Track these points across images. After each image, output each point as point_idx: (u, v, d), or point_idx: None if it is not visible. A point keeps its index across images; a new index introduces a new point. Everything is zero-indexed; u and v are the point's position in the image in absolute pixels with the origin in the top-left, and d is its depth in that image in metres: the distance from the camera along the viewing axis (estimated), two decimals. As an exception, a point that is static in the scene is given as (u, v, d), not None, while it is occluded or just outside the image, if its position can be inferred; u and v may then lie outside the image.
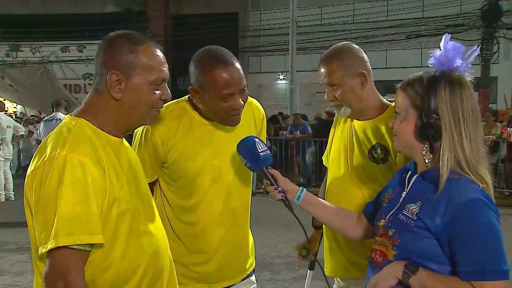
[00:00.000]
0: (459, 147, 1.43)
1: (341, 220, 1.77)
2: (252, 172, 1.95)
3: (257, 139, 1.76)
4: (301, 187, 1.75)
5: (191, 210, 1.99)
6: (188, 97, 2.02)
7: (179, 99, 2.05)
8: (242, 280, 2.13)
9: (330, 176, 2.25)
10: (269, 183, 1.72)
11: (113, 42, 1.52)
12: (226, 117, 1.92)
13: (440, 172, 1.44)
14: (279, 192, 1.71)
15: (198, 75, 1.88)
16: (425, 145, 1.49)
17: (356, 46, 2.10)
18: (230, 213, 2.01)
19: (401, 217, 1.48)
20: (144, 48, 1.52)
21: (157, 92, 1.55)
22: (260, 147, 1.72)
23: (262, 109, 2.19)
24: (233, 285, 2.10)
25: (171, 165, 1.97)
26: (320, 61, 2.10)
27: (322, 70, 2.07)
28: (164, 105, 1.77)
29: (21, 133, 10.59)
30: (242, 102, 1.90)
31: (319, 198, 1.81)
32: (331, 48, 2.13)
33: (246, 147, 1.74)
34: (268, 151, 1.75)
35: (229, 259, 2.04)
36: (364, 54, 2.10)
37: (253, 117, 2.12)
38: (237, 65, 1.88)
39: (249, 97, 2.03)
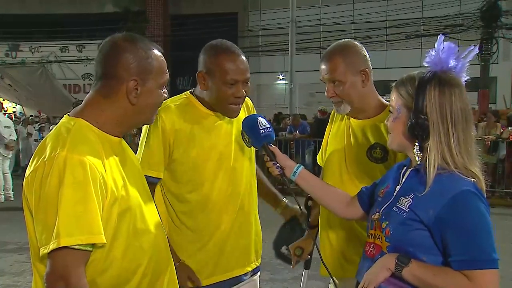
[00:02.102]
0: (446, 148, 1.45)
1: (332, 197, 1.83)
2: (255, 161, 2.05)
3: (259, 117, 1.89)
4: (298, 164, 1.84)
5: (200, 198, 2.05)
6: (190, 91, 2.13)
7: (181, 94, 2.15)
8: (245, 275, 2.17)
9: (326, 173, 2.25)
10: (268, 158, 1.83)
11: (124, 47, 1.50)
12: (227, 106, 2.02)
13: (427, 171, 1.46)
14: (277, 167, 1.80)
15: (207, 60, 2.01)
16: (415, 144, 1.52)
17: (359, 44, 2.10)
18: (237, 199, 2.10)
19: (395, 209, 1.51)
20: (154, 52, 1.55)
21: (162, 93, 1.59)
22: (262, 125, 1.85)
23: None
24: (235, 277, 2.14)
25: (178, 154, 2.02)
26: (322, 57, 2.10)
27: (324, 66, 2.07)
28: (170, 98, 1.97)
29: (13, 138, 9.52)
30: (244, 92, 2.02)
31: (314, 176, 1.87)
32: (334, 44, 2.12)
33: (249, 124, 1.88)
34: (270, 129, 1.86)
35: (233, 246, 2.10)
36: (366, 53, 2.10)
37: (250, 110, 2.25)
38: (244, 58, 2.02)
39: None
